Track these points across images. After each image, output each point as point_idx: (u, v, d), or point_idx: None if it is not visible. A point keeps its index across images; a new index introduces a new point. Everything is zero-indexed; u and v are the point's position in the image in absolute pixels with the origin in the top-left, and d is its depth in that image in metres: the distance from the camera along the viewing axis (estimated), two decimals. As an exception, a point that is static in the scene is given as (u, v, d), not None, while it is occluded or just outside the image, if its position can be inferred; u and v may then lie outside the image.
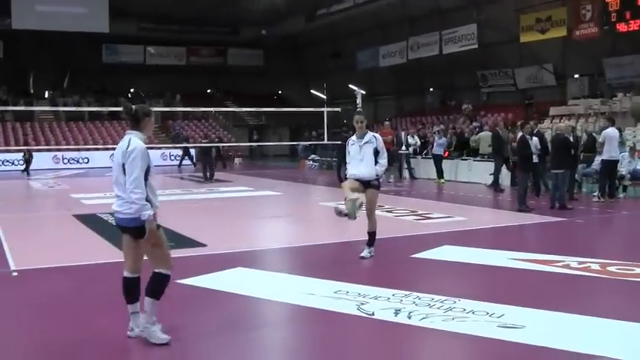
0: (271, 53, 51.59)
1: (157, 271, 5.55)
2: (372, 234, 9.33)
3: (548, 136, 19.96)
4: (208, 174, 24.50)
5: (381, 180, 9.58)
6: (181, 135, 40.68)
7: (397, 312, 6.40)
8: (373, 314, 6.35)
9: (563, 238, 11.86)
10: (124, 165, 5.43)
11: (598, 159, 17.33)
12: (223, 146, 36.23)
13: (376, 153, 9.27)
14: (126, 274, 5.70)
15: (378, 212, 13.25)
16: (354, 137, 9.49)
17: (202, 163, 25.52)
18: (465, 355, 5.61)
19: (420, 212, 14.33)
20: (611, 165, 16.40)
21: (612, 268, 8.45)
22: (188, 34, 48.21)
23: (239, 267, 8.59)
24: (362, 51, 44.74)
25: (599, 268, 8.50)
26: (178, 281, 7.10)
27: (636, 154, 18.31)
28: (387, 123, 26.36)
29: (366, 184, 9.31)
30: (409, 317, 6.23)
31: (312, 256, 9.77)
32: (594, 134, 19.63)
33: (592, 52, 30.93)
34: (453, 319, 6.14)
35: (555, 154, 15.22)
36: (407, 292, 7.03)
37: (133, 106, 5.72)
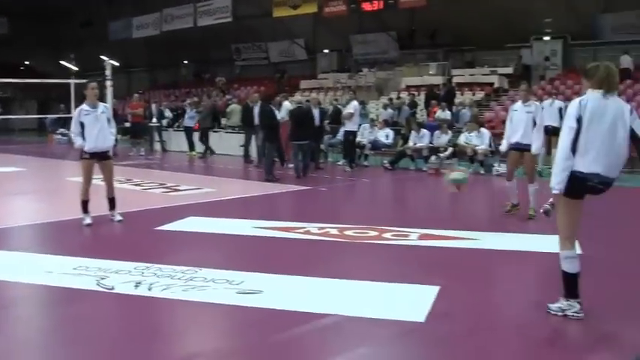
0: (18, 20, 48.16)
1: None
2: (112, 199, 9.68)
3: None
4: None
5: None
6: None
7: (138, 284, 6.34)
8: (113, 288, 6.23)
9: (306, 205, 12.37)
10: None
11: (342, 130, 18.27)
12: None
13: (108, 122, 9.52)
14: None
15: (125, 186, 13.17)
16: (86, 107, 9.45)
17: None
18: (204, 322, 5.66)
19: (168, 185, 14.25)
20: (355, 135, 17.37)
21: (349, 232, 8.96)
22: None
23: (-30, 248, 8.04)
24: (115, 21, 43.36)
25: (337, 232, 8.97)
26: None
27: (377, 125, 19.51)
28: (136, 95, 25.60)
29: (104, 156, 9.51)
30: (150, 289, 6.19)
31: (53, 233, 9.39)
32: (339, 106, 20.63)
33: (341, 29, 32.39)
34: (193, 288, 6.20)
35: (297, 127, 15.75)
36: (148, 265, 6.97)
37: None
